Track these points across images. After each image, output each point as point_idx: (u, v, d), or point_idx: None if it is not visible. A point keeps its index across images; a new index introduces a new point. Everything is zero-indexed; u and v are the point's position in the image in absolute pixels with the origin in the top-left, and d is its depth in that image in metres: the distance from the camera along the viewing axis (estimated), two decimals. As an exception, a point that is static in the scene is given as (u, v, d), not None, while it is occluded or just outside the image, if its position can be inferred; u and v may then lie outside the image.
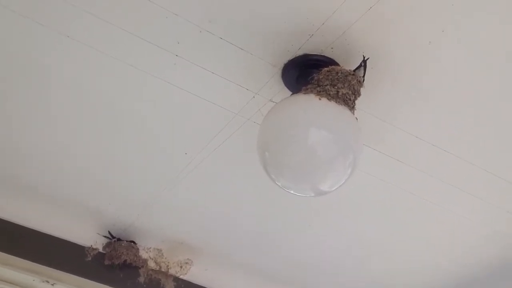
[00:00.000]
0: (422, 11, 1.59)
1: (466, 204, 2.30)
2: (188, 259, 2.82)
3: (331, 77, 1.68)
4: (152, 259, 2.81)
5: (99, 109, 2.07)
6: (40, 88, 2.00)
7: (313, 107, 1.66)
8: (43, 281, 2.56)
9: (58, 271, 2.59)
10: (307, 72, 1.76)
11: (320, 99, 1.65)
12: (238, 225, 2.65)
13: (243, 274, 2.99)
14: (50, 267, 2.58)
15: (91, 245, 2.73)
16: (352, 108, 1.70)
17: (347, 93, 1.67)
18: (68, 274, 2.61)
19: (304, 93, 1.69)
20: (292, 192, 1.76)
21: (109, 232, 2.71)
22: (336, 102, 1.66)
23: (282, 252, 2.83)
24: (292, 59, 1.76)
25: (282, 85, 1.86)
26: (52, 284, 2.58)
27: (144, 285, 2.78)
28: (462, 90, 1.81)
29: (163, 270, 2.82)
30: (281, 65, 1.79)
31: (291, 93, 1.83)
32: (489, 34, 1.63)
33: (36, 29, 1.74)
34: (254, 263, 2.92)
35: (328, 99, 1.65)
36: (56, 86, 1.98)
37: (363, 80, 1.72)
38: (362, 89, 1.72)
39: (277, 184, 1.74)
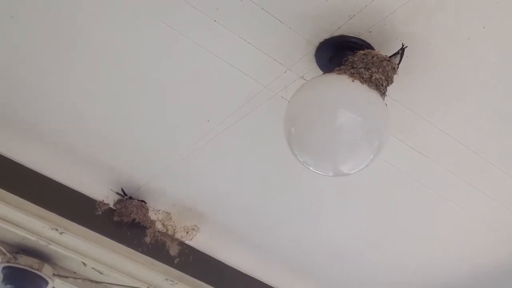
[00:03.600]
0: (465, 5, 1.58)
1: (481, 205, 2.30)
2: (195, 225, 2.84)
3: (366, 60, 1.68)
4: (160, 221, 2.83)
5: (124, 65, 2.05)
6: (67, 40, 1.98)
7: (345, 89, 1.66)
8: (51, 229, 2.57)
9: (68, 220, 2.59)
10: (341, 53, 1.76)
11: (353, 81, 1.65)
12: (248, 200, 2.65)
13: (244, 248, 3.00)
14: (61, 216, 2.59)
15: (103, 200, 2.75)
16: (383, 94, 1.70)
17: (380, 78, 1.68)
18: (77, 225, 2.62)
19: (337, 74, 1.69)
20: (311, 169, 1.76)
21: (122, 190, 2.73)
22: (368, 86, 1.66)
23: (287, 233, 2.83)
24: (329, 38, 1.76)
25: (315, 64, 1.85)
26: (61, 233, 2.60)
27: (150, 246, 2.80)
28: (496, 89, 1.81)
29: (169, 233, 2.84)
30: (317, 43, 1.79)
31: (322, 72, 1.82)
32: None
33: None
34: (257, 240, 2.92)
35: (361, 82, 1.66)
36: (83, 39, 1.96)
37: (398, 67, 1.72)
38: (395, 77, 1.73)
39: (298, 160, 1.75)
